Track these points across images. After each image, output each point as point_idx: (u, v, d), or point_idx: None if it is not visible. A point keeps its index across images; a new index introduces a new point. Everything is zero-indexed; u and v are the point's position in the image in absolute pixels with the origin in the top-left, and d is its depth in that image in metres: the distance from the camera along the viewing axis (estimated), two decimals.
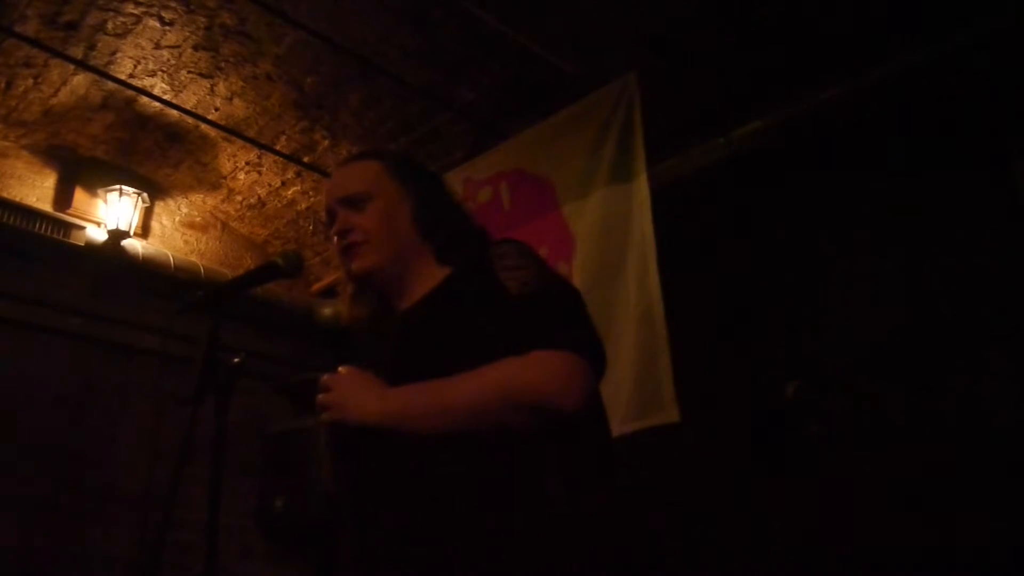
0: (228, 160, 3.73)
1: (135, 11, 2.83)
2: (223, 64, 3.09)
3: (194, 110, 3.31)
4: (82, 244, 3.53)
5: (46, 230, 3.44)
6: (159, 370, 3.52)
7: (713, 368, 2.58)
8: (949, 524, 2.04)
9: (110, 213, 3.61)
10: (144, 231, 3.90)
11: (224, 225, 4.25)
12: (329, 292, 4.40)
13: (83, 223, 3.60)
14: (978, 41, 2.16)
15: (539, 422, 1.08)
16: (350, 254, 1.31)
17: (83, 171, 3.72)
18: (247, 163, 3.73)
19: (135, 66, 3.11)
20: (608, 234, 2.59)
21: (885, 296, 2.38)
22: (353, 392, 1.16)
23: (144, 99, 3.28)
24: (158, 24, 2.89)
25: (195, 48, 3.01)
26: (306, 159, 3.59)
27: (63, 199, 3.66)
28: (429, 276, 1.30)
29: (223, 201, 4.06)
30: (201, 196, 4.05)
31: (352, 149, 3.49)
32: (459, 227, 1.34)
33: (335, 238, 1.33)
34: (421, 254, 1.32)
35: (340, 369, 1.21)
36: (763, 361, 2.57)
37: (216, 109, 3.34)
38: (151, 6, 2.81)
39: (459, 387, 1.10)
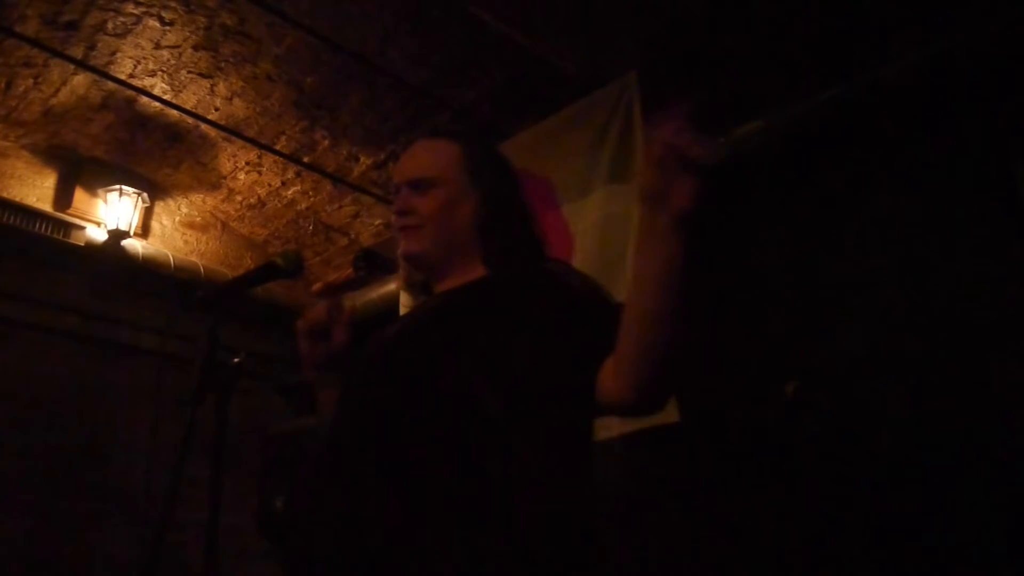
0: (228, 160, 3.73)
1: (135, 11, 2.83)
2: (223, 64, 3.09)
3: (194, 110, 3.31)
4: (82, 244, 3.53)
5: (46, 230, 3.44)
6: (159, 370, 3.53)
7: (713, 368, 2.58)
8: (950, 523, 2.04)
9: (110, 213, 3.61)
10: (144, 231, 3.90)
11: (224, 225, 4.25)
12: (329, 292, 4.40)
13: (83, 223, 3.60)
14: (978, 41, 2.16)
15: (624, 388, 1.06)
16: (403, 235, 1.32)
17: (83, 171, 3.72)
18: (247, 163, 3.73)
19: (135, 66, 3.11)
20: (608, 234, 2.59)
21: (885, 296, 2.38)
22: None
23: (144, 99, 3.27)
24: (158, 24, 2.89)
25: (195, 48, 3.01)
26: (306, 159, 3.59)
27: (63, 199, 3.66)
28: (471, 272, 1.30)
29: (223, 201, 4.06)
30: (201, 196, 4.05)
31: (352, 149, 3.49)
32: (515, 238, 1.32)
33: (394, 216, 1.33)
34: (471, 251, 1.31)
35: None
36: (763, 361, 2.57)
37: (216, 109, 3.34)
38: (151, 6, 2.81)
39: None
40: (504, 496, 1.03)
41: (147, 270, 3.69)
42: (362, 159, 3.56)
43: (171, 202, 4.06)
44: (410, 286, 1.45)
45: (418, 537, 1.02)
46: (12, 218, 3.34)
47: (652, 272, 1.00)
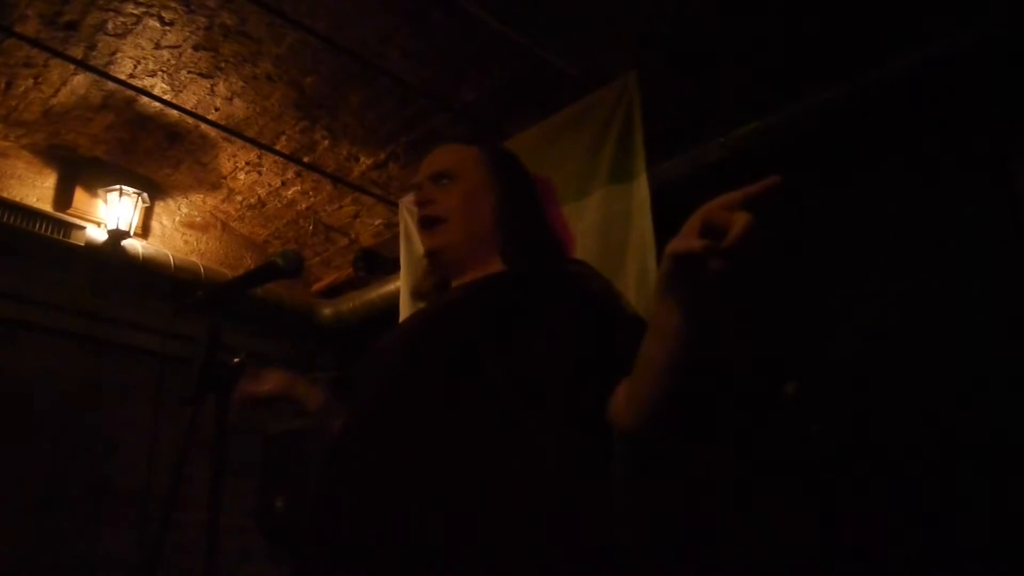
0: (228, 160, 3.73)
1: (135, 11, 2.83)
2: (223, 64, 3.09)
3: (194, 110, 3.31)
4: (82, 244, 3.53)
5: (46, 230, 3.44)
6: (159, 370, 3.53)
7: (713, 368, 2.57)
8: (949, 524, 2.04)
9: (110, 213, 3.61)
10: (144, 231, 3.91)
11: (224, 225, 4.25)
12: (329, 292, 4.40)
13: (83, 223, 3.60)
14: (978, 42, 2.16)
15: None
16: (428, 229, 1.33)
17: (83, 171, 3.73)
18: (247, 163, 3.73)
19: (135, 66, 3.11)
20: (608, 234, 2.59)
21: (885, 295, 2.38)
22: None
23: (144, 99, 3.27)
24: (158, 24, 2.89)
25: (195, 48, 3.01)
26: (306, 159, 3.59)
27: (63, 199, 3.67)
28: (488, 267, 1.31)
29: (223, 201, 4.06)
30: (201, 196, 4.06)
31: (352, 149, 3.49)
32: (533, 233, 1.33)
33: (416, 209, 1.36)
34: (490, 245, 1.32)
35: None
36: (763, 361, 2.57)
37: (216, 109, 3.34)
38: (151, 6, 2.81)
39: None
40: (513, 481, 1.04)
41: (147, 270, 3.69)
42: (362, 159, 3.56)
43: (171, 202, 4.06)
44: (420, 294, 1.46)
45: (425, 525, 1.02)
46: (12, 218, 3.34)
47: (667, 329, 0.95)
